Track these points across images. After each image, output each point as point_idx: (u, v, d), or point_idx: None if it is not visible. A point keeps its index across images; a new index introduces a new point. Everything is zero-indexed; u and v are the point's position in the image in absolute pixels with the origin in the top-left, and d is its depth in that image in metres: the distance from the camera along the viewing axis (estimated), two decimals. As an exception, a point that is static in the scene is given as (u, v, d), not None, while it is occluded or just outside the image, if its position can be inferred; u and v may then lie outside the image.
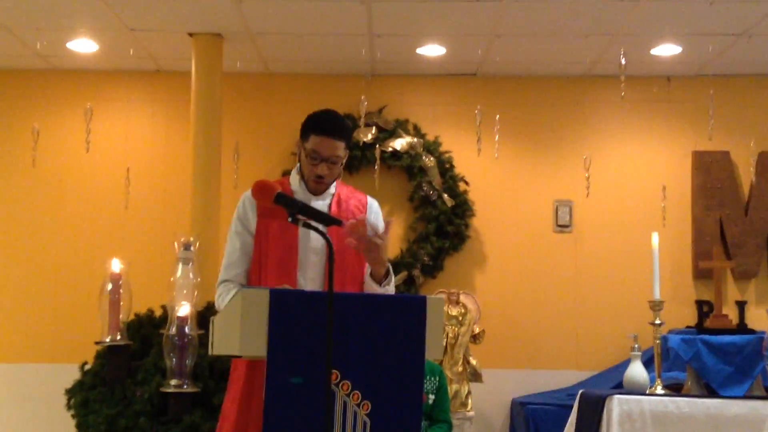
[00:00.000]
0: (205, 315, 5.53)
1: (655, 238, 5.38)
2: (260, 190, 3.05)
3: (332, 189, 3.49)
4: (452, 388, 6.13)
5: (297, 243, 3.32)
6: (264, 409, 2.71)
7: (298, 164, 3.49)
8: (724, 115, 7.16)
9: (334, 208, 3.42)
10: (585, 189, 7.05)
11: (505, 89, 7.37)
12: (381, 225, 3.43)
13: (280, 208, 3.15)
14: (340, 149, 3.37)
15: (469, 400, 6.31)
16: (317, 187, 3.38)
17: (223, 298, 3.34)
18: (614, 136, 7.33)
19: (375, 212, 3.54)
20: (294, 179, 3.48)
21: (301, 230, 3.29)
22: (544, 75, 7.33)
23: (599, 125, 7.35)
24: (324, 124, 3.36)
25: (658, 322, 5.30)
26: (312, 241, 3.34)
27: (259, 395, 3.18)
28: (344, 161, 3.44)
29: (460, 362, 6.32)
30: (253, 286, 3.27)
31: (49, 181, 7.24)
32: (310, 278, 3.32)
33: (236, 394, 3.26)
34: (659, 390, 5.14)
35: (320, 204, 3.39)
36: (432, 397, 4.86)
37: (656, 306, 5.32)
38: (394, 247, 7.14)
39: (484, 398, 6.76)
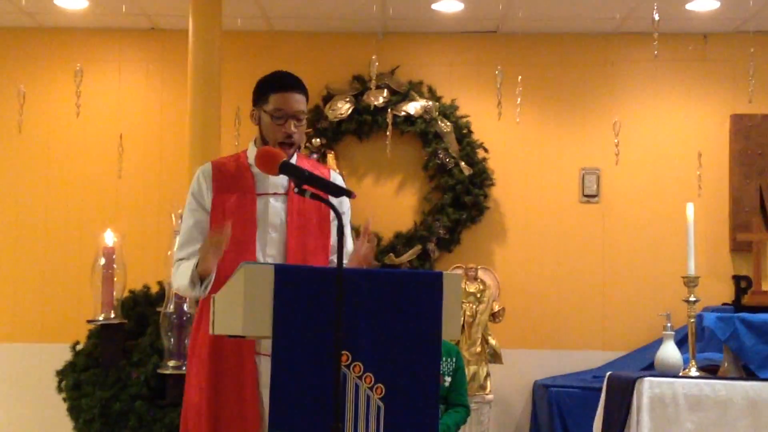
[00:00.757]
0: (204, 292, 5.54)
1: (689, 209, 5.36)
2: (265, 158, 3.05)
3: (293, 161, 3.47)
4: (470, 370, 6.14)
5: (255, 219, 3.36)
6: (270, 393, 2.72)
7: (255, 137, 3.52)
8: (766, 75, 7.10)
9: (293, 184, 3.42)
10: (614, 156, 7.02)
11: (527, 48, 7.33)
12: (346, 201, 3.48)
13: (239, 181, 3.29)
14: (303, 104, 3.44)
15: (488, 383, 6.33)
16: (287, 151, 3.38)
17: (175, 275, 3.39)
18: (646, 98, 7.29)
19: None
20: (252, 153, 3.47)
21: (260, 205, 3.36)
22: (570, 32, 7.28)
23: (630, 87, 7.31)
24: (282, 80, 3.45)
25: (692, 299, 5.29)
26: (271, 216, 3.38)
27: (232, 375, 3.20)
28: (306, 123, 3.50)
29: (479, 342, 6.33)
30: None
31: (36, 148, 7.24)
32: (269, 255, 3.35)
33: (201, 381, 3.28)
34: (693, 372, 5.13)
35: (278, 178, 3.38)
36: (448, 379, 4.87)
37: (691, 282, 5.30)
38: (407, 219, 7.14)
39: (504, 381, 6.78)
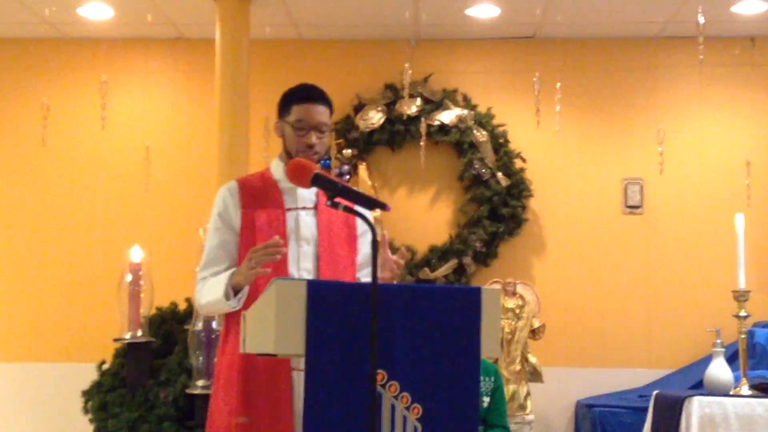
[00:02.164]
0: (234, 309, 5.55)
1: (739, 220, 5.32)
2: (297, 170, 3.05)
3: None
4: (509, 390, 6.11)
5: (287, 234, 3.38)
6: (304, 413, 2.71)
7: (280, 152, 3.57)
8: (817, 79, 7.05)
9: (321, 199, 3.44)
10: (658, 165, 6.97)
11: (566, 53, 7.31)
12: (368, 214, 3.48)
13: (267, 197, 3.31)
14: (326, 115, 3.49)
15: (529, 403, 6.29)
16: (308, 160, 3.39)
17: (200, 292, 3.41)
18: (691, 105, 7.25)
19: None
20: (277, 167, 3.53)
21: (290, 220, 3.39)
22: (611, 36, 7.25)
23: (674, 93, 7.26)
24: (305, 92, 3.52)
25: (743, 314, 5.24)
26: (302, 230, 3.40)
27: (266, 394, 3.19)
28: (330, 133, 3.55)
29: (518, 360, 6.30)
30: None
31: (60, 161, 7.30)
32: (304, 269, 3.37)
33: (230, 403, 3.27)
34: (745, 390, 5.08)
35: (306, 192, 3.44)
36: (487, 399, 4.84)
37: (741, 296, 5.26)
38: (442, 232, 7.13)
39: (545, 400, 6.74)
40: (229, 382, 3.30)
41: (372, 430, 2.56)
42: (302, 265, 3.37)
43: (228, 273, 3.29)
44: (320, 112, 3.46)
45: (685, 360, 6.88)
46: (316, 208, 3.44)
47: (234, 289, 3.26)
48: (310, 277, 3.35)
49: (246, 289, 3.27)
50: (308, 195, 3.45)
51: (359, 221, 3.46)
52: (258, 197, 3.43)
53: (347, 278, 3.41)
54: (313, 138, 3.42)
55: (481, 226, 7.05)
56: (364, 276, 3.50)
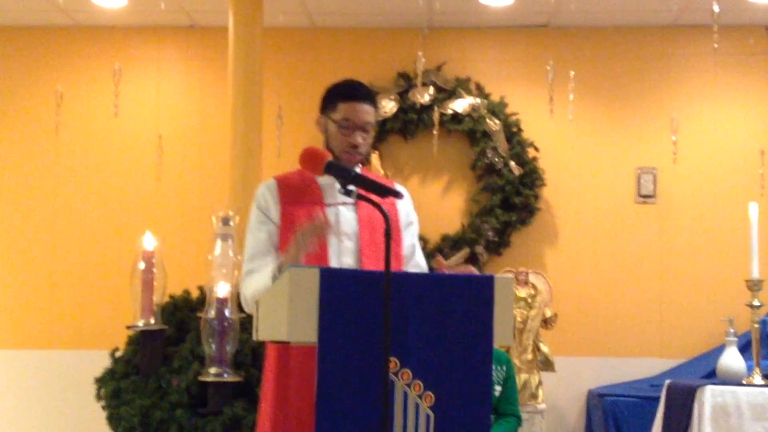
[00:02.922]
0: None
1: (752, 209, 5.30)
2: (309, 158, 3.04)
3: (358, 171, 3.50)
4: (521, 379, 6.11)
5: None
6: (316, 401, 2.71)
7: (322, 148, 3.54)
8: (832, 68, 7.02)
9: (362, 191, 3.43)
10: (671, 154, 6.97)
11: (580, 42, 7.29)
12: (413, 212, 3.54)
13: (306, 193, 3.27)
14: (372, 115, 3.45)
15: (540, 392, 6.29)
16: (351, 159, 3.39)
17: (247, 284, 3.36)
18: (705, 93, 7.22)
19: (406, 198, 3.57)
20: None
21: (330, 215, 3.35)
22: (625, 25, 7.23)
23: (688, 82, 7.24)
24: (352, 90, 3.47)
25: (756, 303, 5.23)
26: (342, 225, 3.38)
27: (296, 388, 3.20)
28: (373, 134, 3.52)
29: (530, 349, 6.30)
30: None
31: (73, 149, 7.32)
32: (345, 264, 3.35)
33: (267, 392, 3.27)
34: (758, 379, 5.08)
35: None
36: (499, 388, 4.84)
37: (754, 285, 5.25)
38: (454, 221, 7.13)
39: (556, 389, 6.75)
40: (268, 370, 3.30)
41: (384, 417, 2.57)
42: (343, 260, 3.34)
43: (277, 262, 3.24)
44: (367, 112, 3.42)
45: (697, 349, 6.88)
46: (356, 203, 3.40)
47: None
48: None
49: None
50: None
51: (402, 213, 3.47)
52: (297, 193, 3.40)
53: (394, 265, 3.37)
54: (359, 138, 3.38)
55: (493, 215, 7.05)
56: (412, 268, 3.49)
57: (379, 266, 3.29)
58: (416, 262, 3.52)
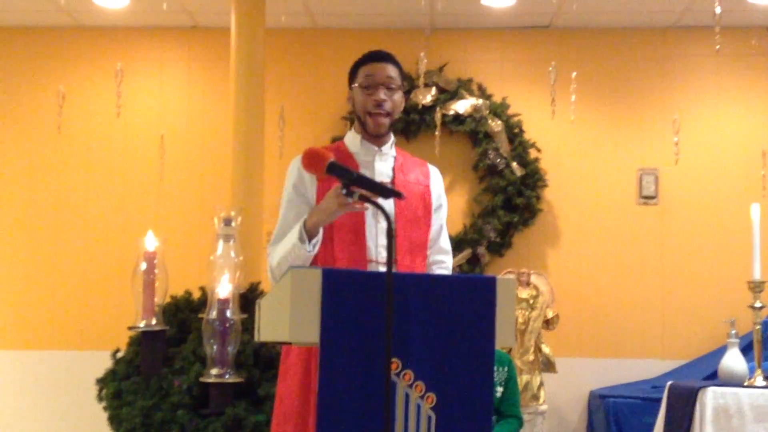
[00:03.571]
0: (248, 297, 5.56)
1: (754, 210, 5.29)
2: (310, 158, 3.02)
3: (393, 151, 3.52)
4: (522, 380, 6.11)
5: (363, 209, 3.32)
6: (317, 401, 2.71)
7: (354, 125, 3.54)
8: (834, 69, 7.02)
9: (398, 174, 3.45)
10: (673, 155, 6.96)
11: (582, 43, 7.29)
12: (443, 194, 3.56)
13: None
14: (395, 72, 3.46)
15: (542, 393, 6.29)
16: (378, 121, 3.40)
17: (273, 252, 3.32)
18: (707, 94, 7.22)
19: (438, 180, 3.61)
20: (352, 140, 3.49)
21: None
22: (627, 26, 7.22)
23: (689, 83, 7.24)
24: (370, 54, 3.49)
25: (758, 305, 5.22)
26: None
27: (296, 388, 3.21)
28: (402, 97, 3.51)
29: (532, 350, 6.30)
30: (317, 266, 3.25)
31: (75, 149, 7.32)
32: (381, 245, 3.34)
33: (293, 385, 3.26)
34: (760, 381, 5.06)
35: (383, 166, 3.43)
36: (500, 389, 4.84)
37: (756, 286, 5.23)
38: (456, 222, 7.12)
39: (558, 390, 6.74)
40: (292, 365, 3.28)
41: (386, 419, 2.56)
42: (380, 240, 3.34)
43: (304, 219, 3.22)
44: (387, 69, 3.43)
45: (699, 351, 6.87)
46: (392, 182, 3.41)
47: (309, 234, 3.19)
48: (385, 252, 3.23)
49: (321, 234, 3.22)
50: (385, 170, 3.44)
51: (434, 195, 3.49)
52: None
53: (421, 254, 3.42)
54: (381, 94, 3.39)
55: (495, 216, 7.05)
56: (436, 252, 3.51)
57: (412, 249, 3.35)
58: (440, 246, 3.53)
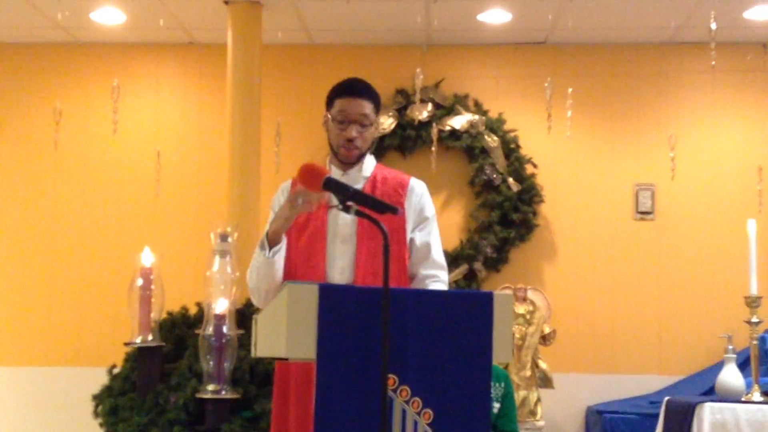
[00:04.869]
0: (244, 313, 5.55)
1: (751, 226, 5.30)
2: (307, 174, 3.03)
3: (367, 172, 3.52)
4: (519, 395, 6.10)
5: (325, 230, 3.38)
6: (314, 417, 2.70)
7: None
8: (830, 85, 7.03)
9: (368, 190, 3.44)
10: (669, 171, 6.97)
11: (578, 59, 7.30)
12: (428, 207, 3.54)
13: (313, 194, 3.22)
14: (368, 108, 3.45)
15: (539, 409, 6.28)
16: (348, 154, 3.44)
17: (249, 270, 3.42)
18: (703, 110, 7.23)
19: (417, 194, 3.57)
20: (329, 165, 3.54)
21: (330, 217, 3.38)
22: (623, 42, 7.24)
23: (686, 99, 7.25)
24: (347, 86, 3.49)
25: (755, 320, 5.22)
26: (340, 229, 3.39)
27: (296, 396, 3.21)
28: (376, 128, 3.52)
29: (529, 366, 6.29)
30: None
31: (72, 165, 7.32)
32: (338, 268, 3.36)
33: (289, 402, 3.29)
34: (757, 396, 5.06)
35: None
36: (497, 405, 4.84)
37: (753, 302, 5.24)
38: (453, 237, 7.12)
39: (555, 406, 6.73)
40: (276, 380, 3.33)
41: (383, 434, 2.56)
42: (338, 263, 3.36)
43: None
44: (362, 105, 3.43)
45: (696, 366, 6.86)
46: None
47: (271, 242, 3.27)
48: (345, 274, 3.34)
49: (283, 244, 3.28)
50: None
51: (412, 210, 3.48)
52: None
53: (398, 278, 3.37)
54: (353, 131, 3.41)
55: (491, 232, 7.04)
56: (427, 267, 3.47)
57: (376, 270, 3.28)
58: (433, 260, 3.50)
